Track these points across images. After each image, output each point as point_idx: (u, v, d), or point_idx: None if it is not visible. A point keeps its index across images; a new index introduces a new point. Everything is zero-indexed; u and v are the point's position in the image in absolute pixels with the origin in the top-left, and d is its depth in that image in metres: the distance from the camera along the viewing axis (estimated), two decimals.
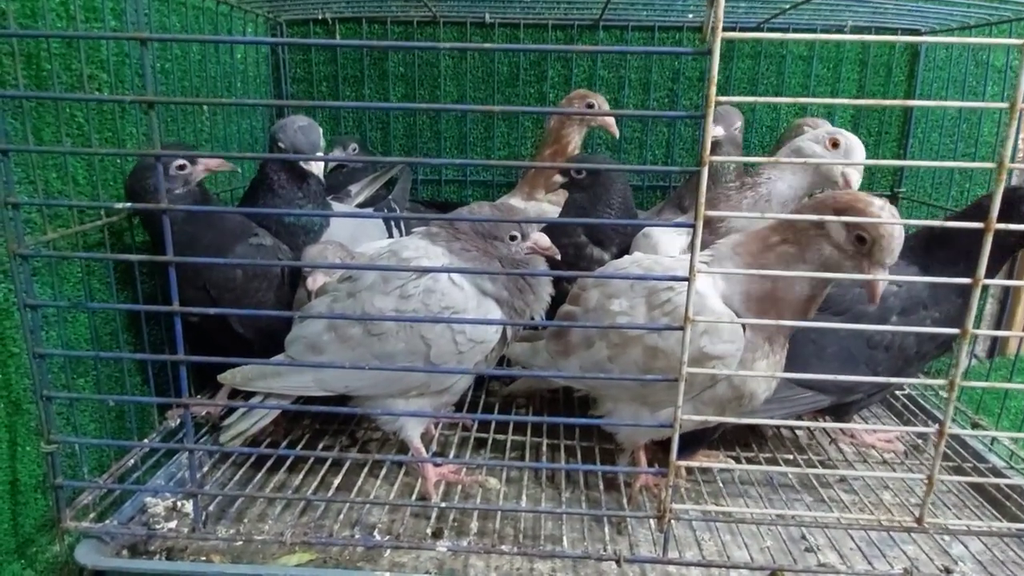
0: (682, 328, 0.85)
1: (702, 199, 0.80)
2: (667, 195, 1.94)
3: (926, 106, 1.84)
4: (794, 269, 0.96)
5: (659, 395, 1.08)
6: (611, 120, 1.64)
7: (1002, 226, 0.80)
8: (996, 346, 1.97)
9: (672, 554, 1.01)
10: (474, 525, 1.09)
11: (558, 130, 1.68)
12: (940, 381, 0.91)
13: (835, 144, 1.19)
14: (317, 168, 1.40)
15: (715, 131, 1.51)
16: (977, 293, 0.83)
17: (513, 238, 1.13)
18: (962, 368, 1.91)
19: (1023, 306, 1.93)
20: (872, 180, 1.95)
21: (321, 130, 1.43)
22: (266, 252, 1.31)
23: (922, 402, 1.62)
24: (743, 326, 1.00)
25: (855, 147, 1.19)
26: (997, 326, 1.83)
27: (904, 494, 1.32)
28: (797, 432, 1.47)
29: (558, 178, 1.45)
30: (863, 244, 0.92)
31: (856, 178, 1.16)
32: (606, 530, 1.12)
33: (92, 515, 1.08)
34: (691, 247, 0.83)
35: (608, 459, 1.32)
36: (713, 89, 0.77)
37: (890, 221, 0.90)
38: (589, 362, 1.15)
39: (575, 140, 1.67)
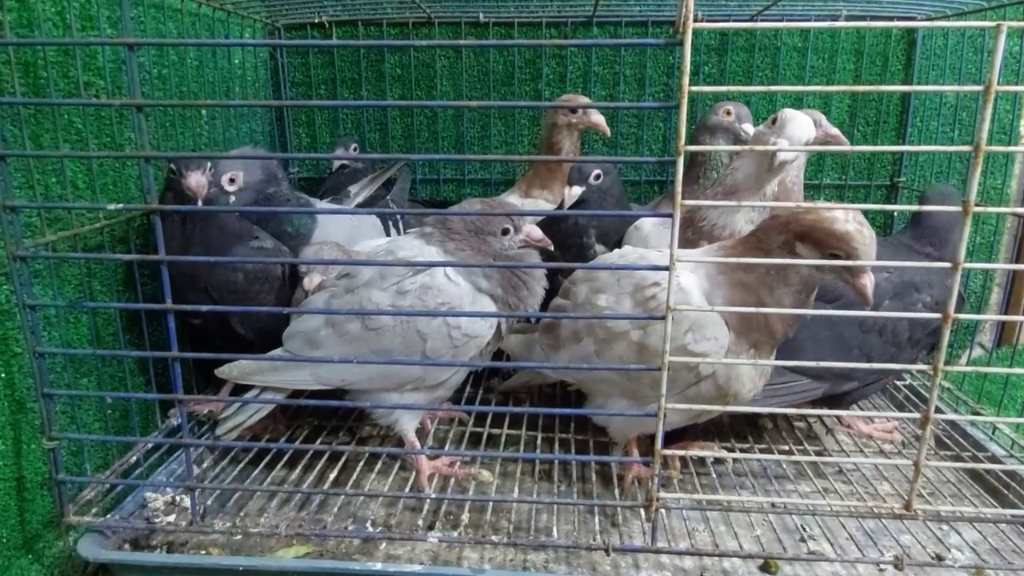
0: (663, 318, 0.86)
1: (678, 188, 0.81)
2: (664, 189, 1.95)
3: (897, 91, 1.83)
4: (779, 293, 0.97)
5: (645, 390, 1.09)
6: (599, 120, 1.62)
7: (980, 209, 0.80)
8: (1001, 335, 1.95)
9: (662, 544, 1.02)
10: (466, 517, 1.10)
11: (548, 138, 1.69)
12: (924, 367, 0.91)
13: (775, 121, 1.21)
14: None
15: (749, 130, 1.51)
16: (958, 277, 0.83)
17: (505, 231, 1.14)
18: (964, 358, 1.91)
19: None
20: (871, 170, 1.94)
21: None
22: (267, 255, 1.33)
23: (924, 392, 1.61)
24: (727, 325, 1.00)
25: (788, 120, 1.18)
26: (1003, 314, 1.81)
27: (903, 484, 1.30)
28: (795, 424, 1.47)
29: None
30: (839, 259, 0.92)
31: (786, 155, 1.15)
32: (599, 522, 1.13)
33: (95, 510, 1.10)
34: (671, 237, 0.84)
35: (603, 453, 1.32)
36: (686, 79, 0.78)
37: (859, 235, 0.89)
38: (577, 356, 1.16)
39: (566, 145, 1.67)
